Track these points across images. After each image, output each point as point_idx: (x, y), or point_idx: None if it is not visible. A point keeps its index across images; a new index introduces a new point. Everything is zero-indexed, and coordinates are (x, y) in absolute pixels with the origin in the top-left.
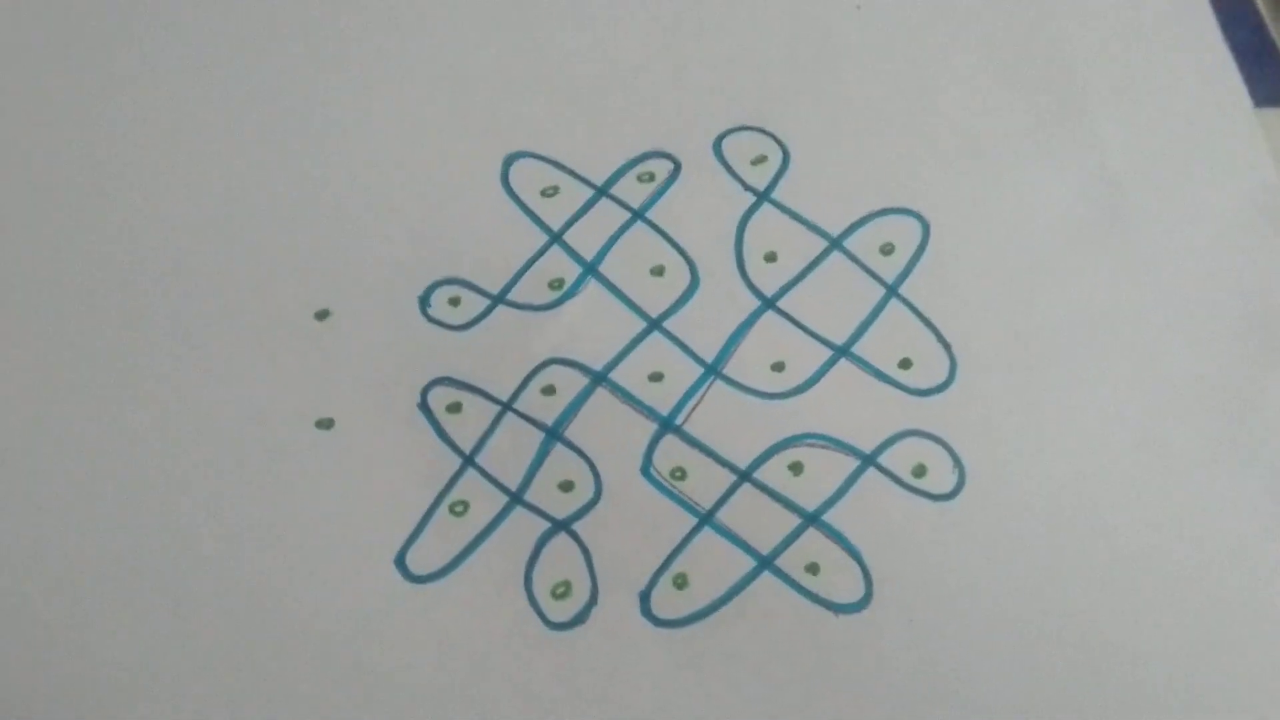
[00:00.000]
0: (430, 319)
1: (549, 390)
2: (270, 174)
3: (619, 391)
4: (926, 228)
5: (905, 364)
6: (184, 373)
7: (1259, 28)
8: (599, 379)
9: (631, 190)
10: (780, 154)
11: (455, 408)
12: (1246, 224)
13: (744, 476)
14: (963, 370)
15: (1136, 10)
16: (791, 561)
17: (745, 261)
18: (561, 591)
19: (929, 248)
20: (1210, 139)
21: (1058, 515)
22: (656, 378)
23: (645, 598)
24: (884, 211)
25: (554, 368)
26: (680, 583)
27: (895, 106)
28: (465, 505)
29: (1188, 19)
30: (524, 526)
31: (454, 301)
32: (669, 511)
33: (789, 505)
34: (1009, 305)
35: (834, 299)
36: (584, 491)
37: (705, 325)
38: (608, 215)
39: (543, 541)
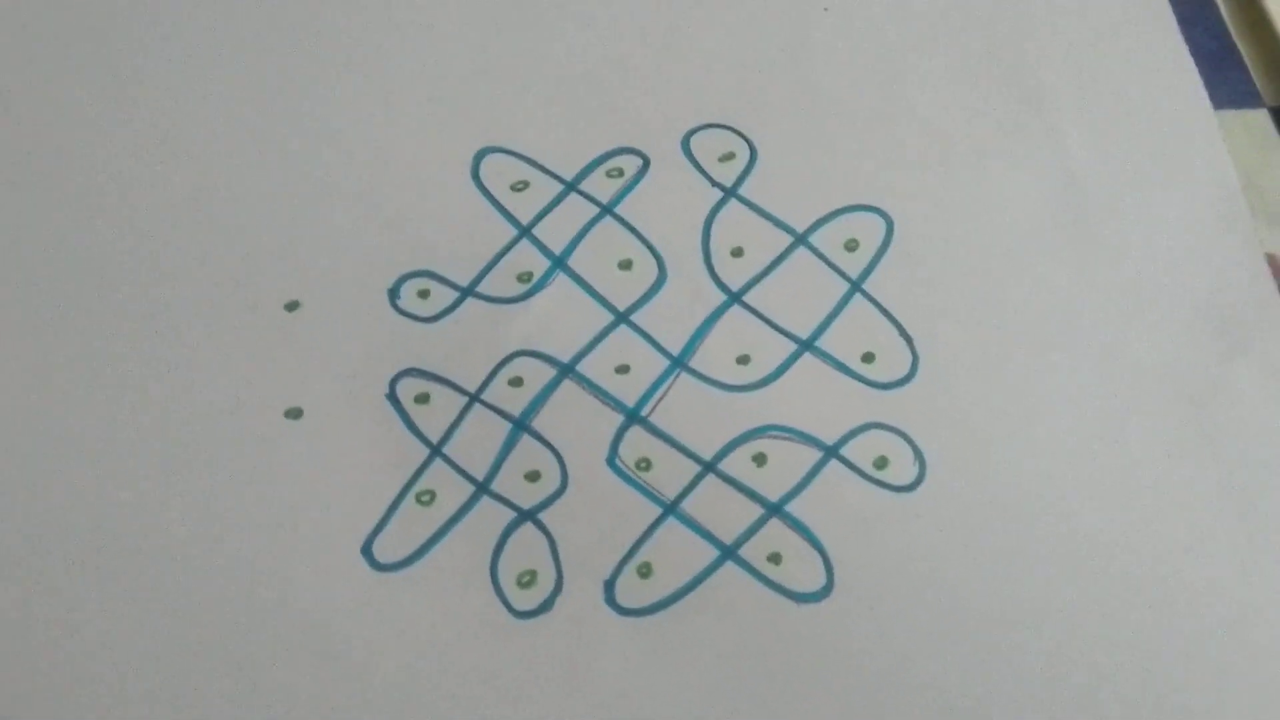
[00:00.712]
0: (399, 310)
1: (516, 382)
2: (241, 165)
3: (586, 383)
4: (890, 225)
5: (868, 358)
6: (154, 361)
7: (1220, 32)
8: (566, 371)
9: (600, 185)
10: (748, 151)
11: (423, 398)
12: (1205, 222)
13: (708, 467)
14: (924, 364)
15: (1099, 15)
16: (754, 551)
17: (712, 256)
18: (527, 580)
19: (892, 245)
20: (1171, 140)
21: (1018, 507)
22: (623, 370)
23: (610, 587)
24: (849, 209)
25: (522, 359)
26: (644, 572)
27: (861, 106)
28: (432, 495)
29: (1149, 23)
30: (490, 516)
31: (423, 294)
32: (634, 502)
33: (752, 496)
34: (971, 301)
35: (799, 294)
36: (550, 482)
37: (672, 318)
38: (577, 210)
39: (509, 531)
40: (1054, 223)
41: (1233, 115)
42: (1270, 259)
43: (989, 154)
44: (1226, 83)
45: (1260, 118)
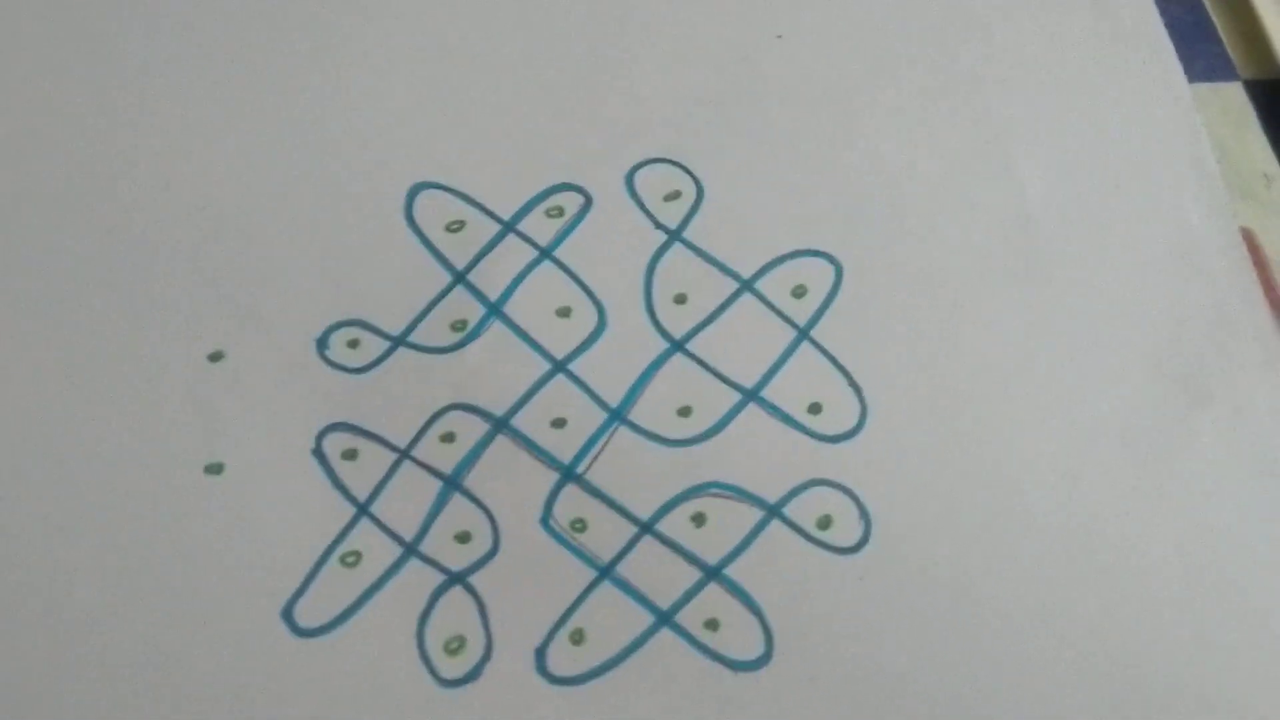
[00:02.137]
0: (328, 361)
1: (448, 437)
2: (161, 208)
3: (520, 439)
4: (840, 270)
5: (815, 409)
6: (68, 412)
7: (1194, 4)
8: (500, 425)
9: (540, 226)
10: (694, 190)
11: (351, 454)
12: (1163, 265)
13: (645, 528)
14: (873, 415)
15: (1060, 40)
16: (691, 617)
17: (654, 302)
18: (455, 647)
19: (841, 291)
20: (1134, 177)
21: (965, 569)
22: (559, 424)
23: (541, 654)
24: (797, 253)
25: (454, 413)
26: (577, 639)
27: (813, 141)
28: (358, 556)
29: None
30: (418, 578)
31: (353, 343)
32: (568, 564)
33: (690, 558)
34: (922, 350)
35: (744, 342)
36: (481, 543)
37: (611, 368)
38: (514, 252)
39: (437, 594)
40: (1008, 266)
41: (1207, 88)
42: (1245, 233)
43: (942, 194)
44: (1200, 56)
45: (1234, 90)
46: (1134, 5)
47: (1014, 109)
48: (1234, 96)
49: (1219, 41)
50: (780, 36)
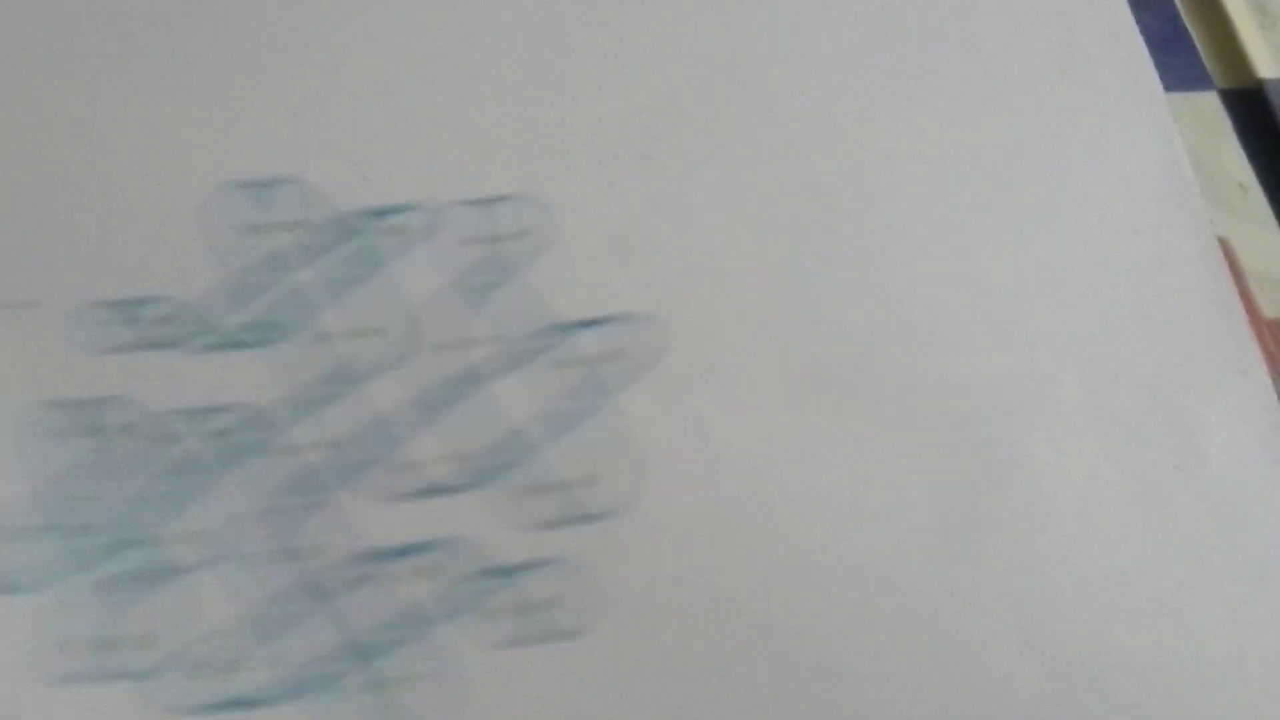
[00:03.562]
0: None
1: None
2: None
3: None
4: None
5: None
6: None
7: (1170, 15)
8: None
9: (369, 242)
10: (542, 229)
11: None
12: (1140, 276)
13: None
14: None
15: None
16: None
17: (462, 337)
18: None
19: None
20: (1110, 186)
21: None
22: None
23: None
24: (622, 317)
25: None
26: None
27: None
28: None
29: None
30: None
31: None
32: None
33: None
34: None
35: (543, 398)
36: None
37: (396, 401)
38: (336, 263)
39: None
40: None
41: (1181, 98)
42: (1222, 243)
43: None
44: (1176, 65)
45: (1209, 100)
46: (1109, 14)
47: (984, 119)
48: (1209, 106)
49: (1194, 51)
50: (738, 46)
